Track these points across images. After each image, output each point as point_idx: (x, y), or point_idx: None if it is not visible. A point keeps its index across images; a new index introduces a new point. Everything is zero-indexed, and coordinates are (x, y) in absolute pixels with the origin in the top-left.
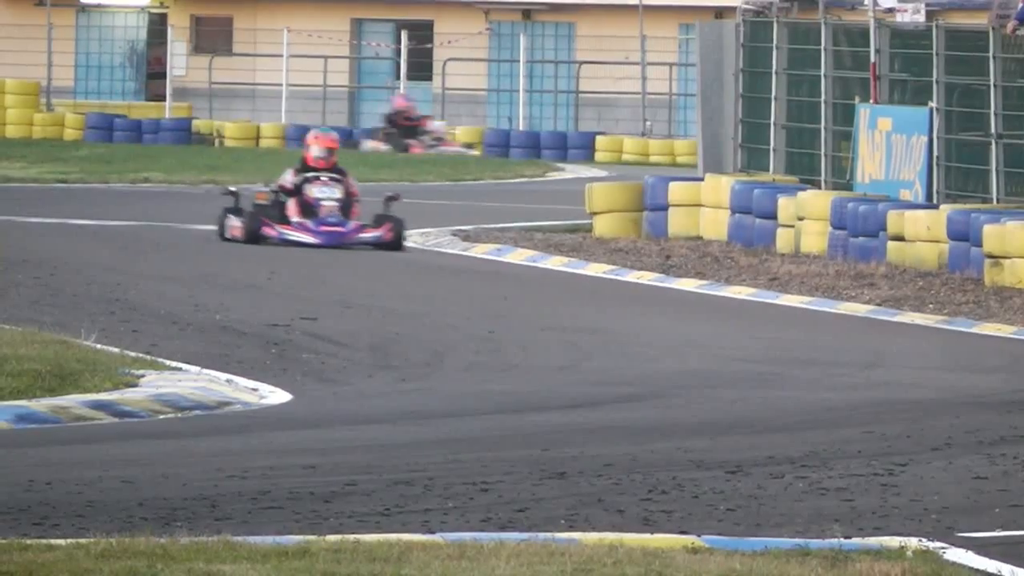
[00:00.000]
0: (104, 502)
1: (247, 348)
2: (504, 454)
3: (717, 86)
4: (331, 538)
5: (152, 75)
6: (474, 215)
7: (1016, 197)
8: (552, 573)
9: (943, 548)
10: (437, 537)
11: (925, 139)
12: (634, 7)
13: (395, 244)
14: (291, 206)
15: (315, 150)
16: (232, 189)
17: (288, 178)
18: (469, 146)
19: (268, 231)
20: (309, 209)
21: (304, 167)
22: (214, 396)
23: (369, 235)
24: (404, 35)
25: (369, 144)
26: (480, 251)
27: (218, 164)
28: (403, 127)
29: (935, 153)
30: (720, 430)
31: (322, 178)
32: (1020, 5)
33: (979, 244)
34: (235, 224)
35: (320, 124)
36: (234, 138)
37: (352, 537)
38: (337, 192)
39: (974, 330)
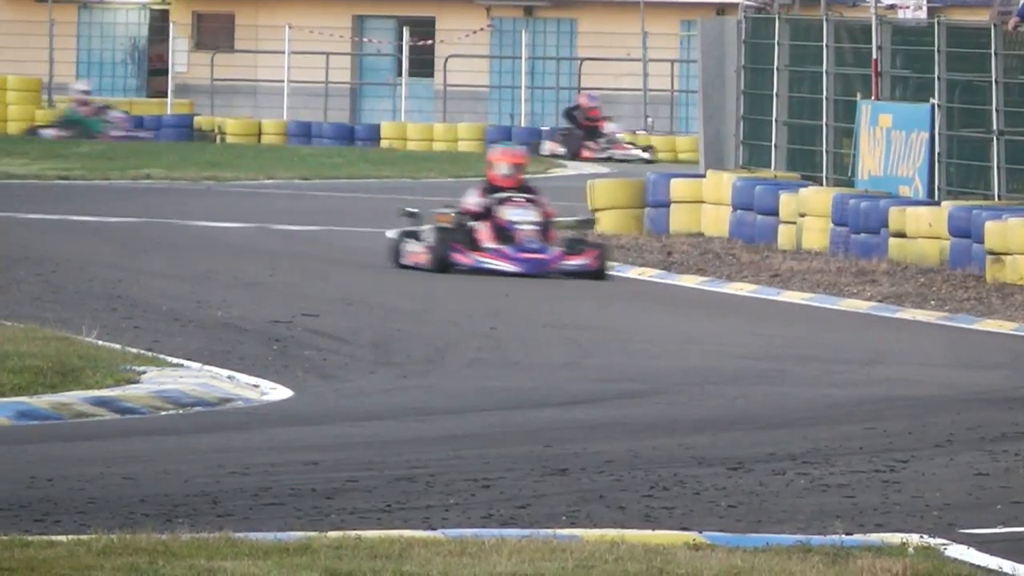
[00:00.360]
0: (106, 498)
1: (249, 345)
2: (505, 451)
3: (719, 83)
4: (332, 534)
5: (154, 71)
6: None
7: (1018, 193)
8: (553, 570)
9: (944, 545)
10: (438, 533)
11: (926, 135)
12: (636, 3)
13: (599, 273)
14: (483, 230)
15: (502, 168)
16: (412, 210)
17: (474, 199)
18: (646, 149)
19: (459, 258)
20: (503, 233)
21: (490, 187)
22: (215, 392)
23: (573, 263)
24: (406, 31)
25: (547, 146)
26: None
27: (219, 161)
28: (585, 127)
29: (936, 149)
30: (721, 427)
31: (515, 199)
32: (1022, 2)
33: (980, 240)
34: (416, 250)
35: (322, 120)
36: (236, 134)
37: (353, 533)
38: (533, 214)
39: (975, 326)
